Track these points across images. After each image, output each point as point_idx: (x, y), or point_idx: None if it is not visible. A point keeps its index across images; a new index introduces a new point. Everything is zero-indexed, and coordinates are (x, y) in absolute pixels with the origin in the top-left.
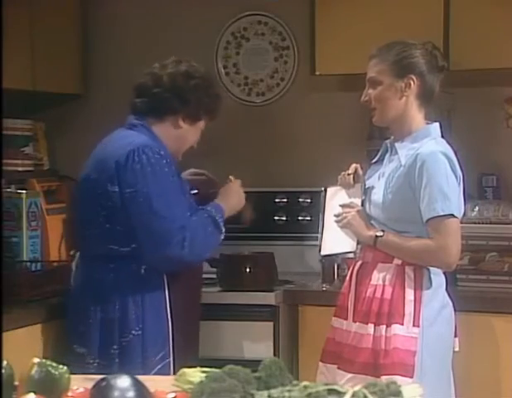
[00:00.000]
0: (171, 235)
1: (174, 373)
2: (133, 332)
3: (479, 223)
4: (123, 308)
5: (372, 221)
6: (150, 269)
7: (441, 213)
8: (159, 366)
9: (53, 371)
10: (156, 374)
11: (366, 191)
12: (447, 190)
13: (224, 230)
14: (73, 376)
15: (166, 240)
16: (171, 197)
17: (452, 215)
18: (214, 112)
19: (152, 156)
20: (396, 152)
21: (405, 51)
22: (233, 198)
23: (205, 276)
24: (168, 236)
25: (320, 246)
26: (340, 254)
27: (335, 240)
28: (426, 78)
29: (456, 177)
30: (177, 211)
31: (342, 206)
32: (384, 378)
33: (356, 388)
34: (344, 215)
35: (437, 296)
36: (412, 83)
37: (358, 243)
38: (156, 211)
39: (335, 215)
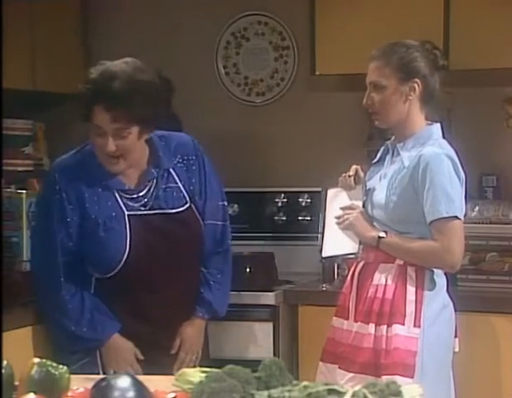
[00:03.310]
0: None
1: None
2: None
3: (479, 223)
4: None
5: (374, 223)
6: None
7: (445, 215)
8: (81, 362)
9: (53, 371)
10: (79, 368)
11: (367, 193)
12: (451, 191)
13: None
14: (73, 376)
15: None
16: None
17: (456, 217)
18: (86, 112)
19: (47, 180)
20: (398, 154)
21: (408, 55)
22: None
23: None
24: None
25: (321, 248)
26: (341, 255)
27: (336, 242)
28: (428, 80)
29: (459, 178)
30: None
31: (343, 208)
32: (384, 378)
33: (356, 388)
34: (345, 216)
35: (438, 297)
36: (416, 86)
37: (359, 244)
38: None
39: (337, 217)
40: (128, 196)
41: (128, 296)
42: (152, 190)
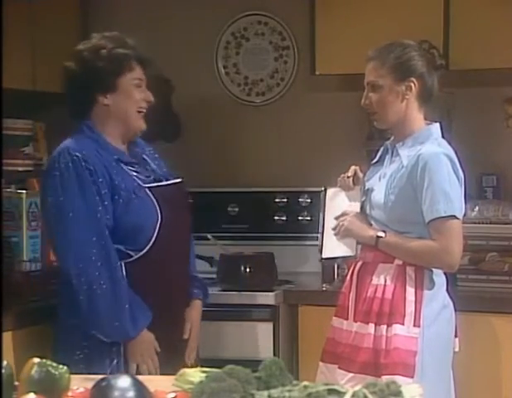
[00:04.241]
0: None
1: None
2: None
3: (479, 223)
4: None
5: (373, 222)
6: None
7: (444, 214)
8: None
9: (53, 371)
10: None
11: (366, 193)
12: (449, 191)
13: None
14: (73, 376)
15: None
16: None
17: (454, 217)
18: (124, 66)
19: (65, 162)
20: (397, 154)
21: (404, 54)
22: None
23: (205, 276)
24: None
25: (320, 248)
26: (340, 257)
27: (335, 243)
28: (425, 79)
29: (457, 178)
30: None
31: (337, 217)
32: (384, 378)
33: (356, 388)
34: (340, 223)
35: (438, 296)
36: (413, 86)
37: (358, 243)
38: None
39: (333, 229)
40: (134, 169)
41: (155, 277)
42: (146, 165)
